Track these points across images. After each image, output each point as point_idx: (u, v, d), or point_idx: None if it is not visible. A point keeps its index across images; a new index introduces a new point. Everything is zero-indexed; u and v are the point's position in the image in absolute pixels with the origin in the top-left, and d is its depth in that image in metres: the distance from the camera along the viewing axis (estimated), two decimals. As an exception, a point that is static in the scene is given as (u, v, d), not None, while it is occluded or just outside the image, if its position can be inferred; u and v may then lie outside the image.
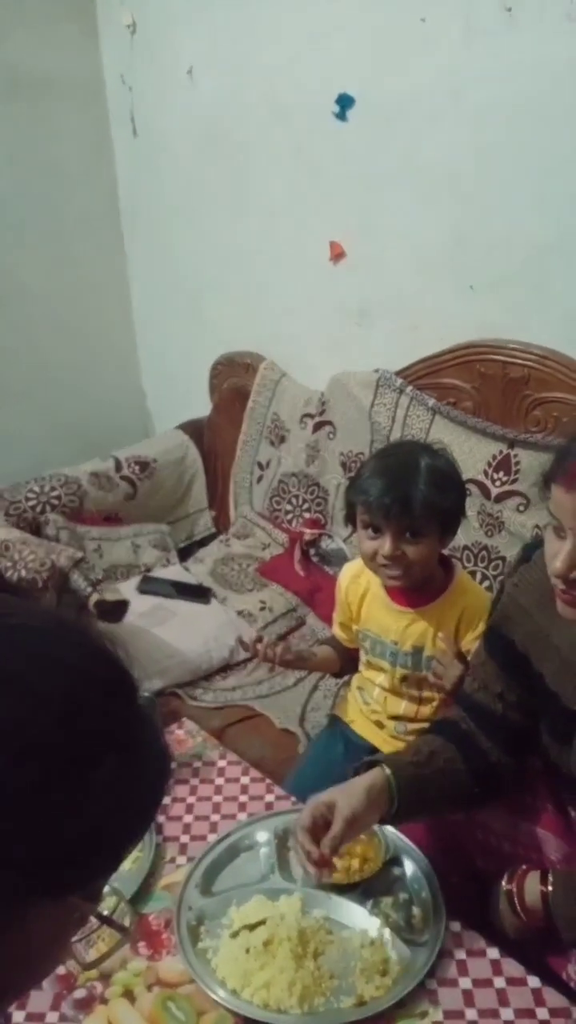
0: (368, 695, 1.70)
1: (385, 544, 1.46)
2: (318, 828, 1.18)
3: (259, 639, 1.70)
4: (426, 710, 1.62)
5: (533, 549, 1.27)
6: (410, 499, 1.43)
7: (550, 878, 1.17)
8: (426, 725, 1.48)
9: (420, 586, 1.55)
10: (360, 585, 1.66)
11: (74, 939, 0.70)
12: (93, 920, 0.72)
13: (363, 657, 1.69)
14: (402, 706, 1.63)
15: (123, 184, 2.85)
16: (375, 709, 1.68)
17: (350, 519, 1.56)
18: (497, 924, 1.23)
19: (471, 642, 1.50)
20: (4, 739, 0.55)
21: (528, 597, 1.22)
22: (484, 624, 1.44)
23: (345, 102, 2.08)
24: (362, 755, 1.63)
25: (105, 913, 0.70)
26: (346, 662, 1.74)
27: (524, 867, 1.21)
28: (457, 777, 1.25)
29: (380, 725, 1.68)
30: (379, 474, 1.47)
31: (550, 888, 1.16)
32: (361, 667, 1.72)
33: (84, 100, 2.72)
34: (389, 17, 1.94)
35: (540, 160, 1.81)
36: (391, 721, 1.66)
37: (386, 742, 1.66)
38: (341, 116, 2.10)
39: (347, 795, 1.18)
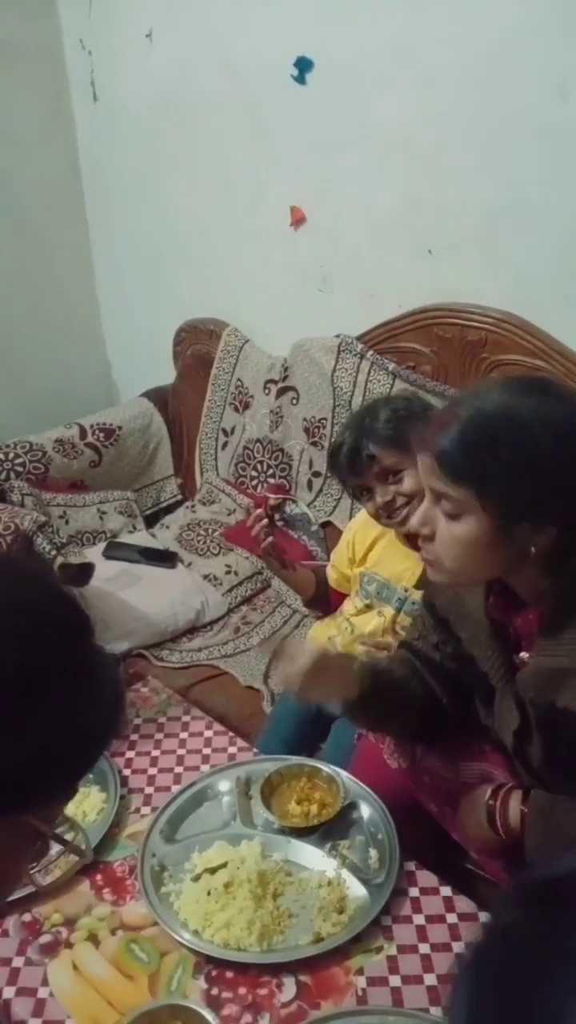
0: (343, 638, 1.72)
1: (376, 499, 1.49)
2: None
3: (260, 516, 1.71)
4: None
5: None
6: (362, 445, 1.48)
7: (530, 799, 1.18)
8: None
9: None
10: (374, 528, 1.68)
11: (32, 867, 0.74)
12: (52, 851, 0.76)
13: (357, 603, 1.71)
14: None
15: (84, 150, 2.83)
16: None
17: (345, 486, 1.59)
18: (467, 832, 1.26)
19: None
20: None
21: None
22: None
23: (303, 65, 2.08)
24: (326, 711, 1.67)
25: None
26: (319, 596, 1.77)
27: (509, 784, 1.22)
28: (410, 690, 1.31)
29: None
30: (342, 451, 1.51)
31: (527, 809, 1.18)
32: (347, 611, 1.74)
33: (42, 65, 2.69)
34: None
35: (491, 124, 1.82)
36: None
37: None
38: (300, 79, 2.10)
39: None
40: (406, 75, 1.91)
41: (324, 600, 1.78)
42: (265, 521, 1.67)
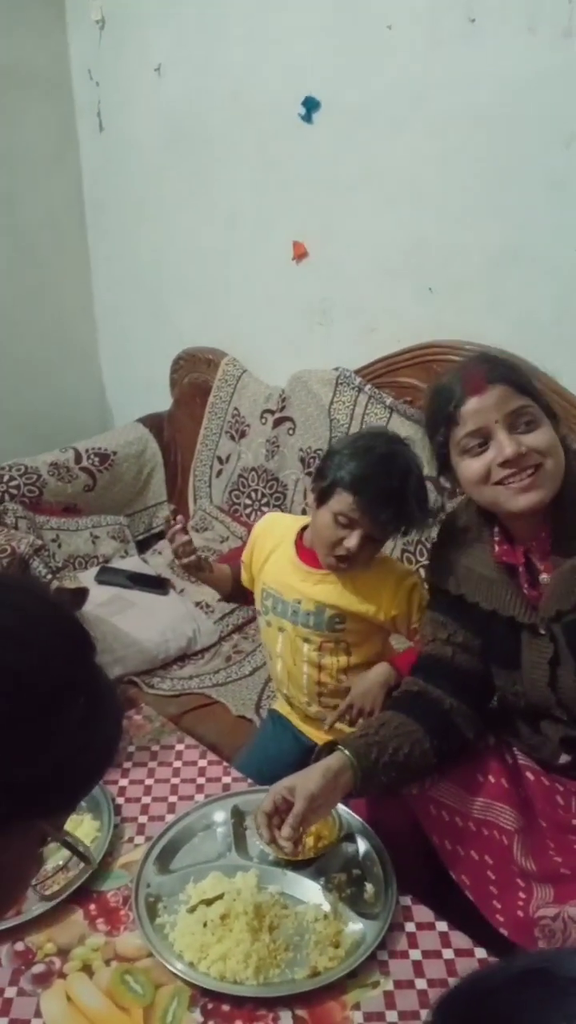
0: (274, 672, 1.73)
1: (352, 540, 1.47)
2: (280, 811, 1.25)
3: (177, 522, 1.68)
4: (325, 677, 1.64)
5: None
6: (404, 515, 1.46)
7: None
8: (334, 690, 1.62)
9: None
10: (273, 538, 1.67)
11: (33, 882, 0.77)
12: (47, 866, 0.78)
13: (262, 620, 1.71)
14: (303, 678, 1.66)
15: (88, 178, 2.86)
16: (285, 693, 1.73)
17: (320, 491, 1.53)
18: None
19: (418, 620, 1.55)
20: None
21: (450, 548, 1.40)
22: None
23: (311, 105, 2.13)
24: (303, 741, 1.71)
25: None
26: (236, 590, 1.76)
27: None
28: (412, 736, 1.32)
29: (306, 717, 1.72)
30: (376, 478, 1.46)
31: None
32: (262, 634, 1.75)
33: (50, 92, 2.73)
34: (356, 23, 1.99)
35: (498, 169, 1.87)
36: (303, 700, 1.69)
37: (319, 738, 1.68)
38: (307, 119, 2.15)
39: (306, 778, 1.26)
40: (415, 118, 1.96)
41: (241, 594, 1.78)
42: (187, 538, 1.65)
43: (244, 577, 1.74)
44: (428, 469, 1.42)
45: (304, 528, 1.63)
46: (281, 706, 1.79)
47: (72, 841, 0.76)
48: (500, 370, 1.25)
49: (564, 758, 1.35)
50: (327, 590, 1.58)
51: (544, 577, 1.29)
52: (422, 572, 1.68)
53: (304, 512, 2.28)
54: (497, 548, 1.32)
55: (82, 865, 0.87)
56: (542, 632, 1.29)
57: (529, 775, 1.37)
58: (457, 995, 0.51)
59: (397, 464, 1.48)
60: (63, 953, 1.22)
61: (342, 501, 1.47)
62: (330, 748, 1.32)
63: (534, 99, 1.77)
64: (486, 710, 1.43)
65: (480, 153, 1.89)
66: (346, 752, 1.29)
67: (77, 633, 0.71)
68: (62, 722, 0.65)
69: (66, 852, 0.77)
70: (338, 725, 1.64)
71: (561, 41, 1.70)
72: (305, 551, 1.61)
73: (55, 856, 0.77)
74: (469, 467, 1.25)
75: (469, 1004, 0.50)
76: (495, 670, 1.38)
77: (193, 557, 1.65)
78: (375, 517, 1.45)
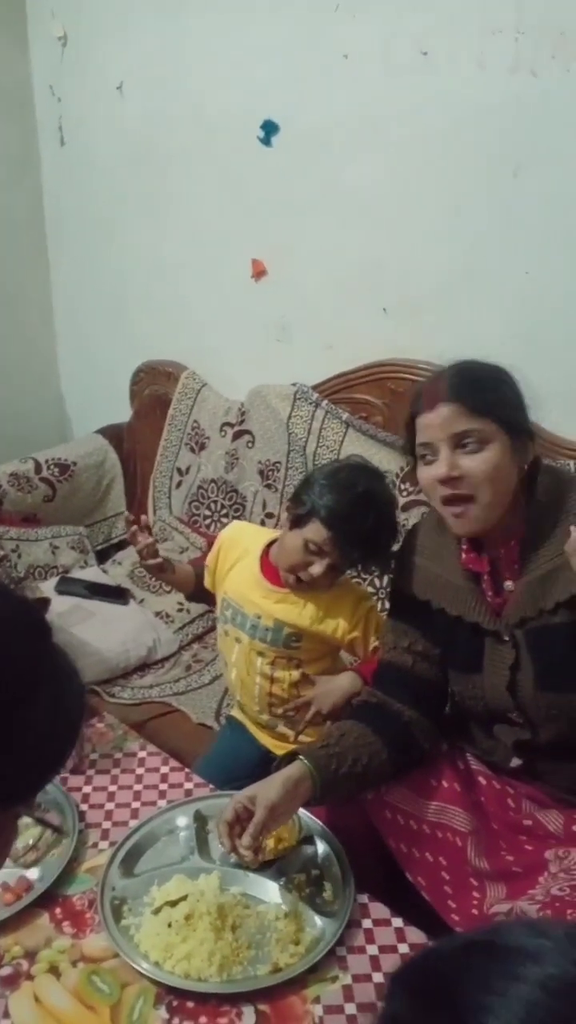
0: (228, 679, 1.78)
1: (316, 567, 1.52)
2: (241, 820, 1.28)
3: (139, 524, 1.71)
4: (277, 689, 1.69)
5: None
6: (375, 553, 1.53)
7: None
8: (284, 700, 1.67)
9: None
10: (238, 549, 1.70)
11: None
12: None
13: (220, 627, 1.75)
14: (255, 688, 1.70)
15: (49, 192, 2.89)
16: (239, 700, 1.77)
17: (296, 512, 1.56)
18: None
19: (375, 642, 1.60)
20: None
21: (417, 554, 1.45)
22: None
23: (269, 128, 2.19)
24: (259, 746, 1.75)
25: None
26: (198, 589, 1.79)
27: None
28: (372, 749, 1.36)
29: (259, 724, 1.76)
30: (352, 514, 1.50)
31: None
32: (219, 642, 1.79)
33: (11, 107, 2.76)
34: (314, 50, 2.05)
35: (450, 194, 1.94)
36: (255, 709, 1.73)
37: (274, 744, 1.75)
38: (265, 141, 2.20)
39: (266, 787, 1.29)
40: (371, 144, 2.02)
41: (203, 595, 1.82)
42: (151, 540, 1.68)
43: (207, 581, 1.77)
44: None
45: (271, 544, 1.67)
46: (237, 712, 1.84)
47: (43, 817, 0.80)
48: (461, 387, 1.26)
49: (516, 762, 1.41)
50: (287, 609, 1.63)
51: (509, 584, 1.34)
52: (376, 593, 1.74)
53: (263, 523, 2.35)
54: (464, 555, 1.37)
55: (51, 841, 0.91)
56: (505, 639, 1.34)
57: (481, 779, 1.44)
58: (410, 965, 0.56)
59: (374, 505, 1.53)
60: (30, 955, 1.24)
61: (316, 532, 1.51)
62: (290, 758, 1.36)
63: (483, 130, 1.84)
64: (442, 718, 1.47)
65: (433, 179, 1.96)
66: (306, 762, 1.32)
67: (33, 622, 0.73)
68: (32, 710, 0.68)
69: (35, 831, 0.81)
70: (302, 735, 1.70)
71: (507, 77, 1.78)
72: (269, 568, 1.65)
73: (24, 835, 0.81)
74: (421, 474, 1.31)
75: (420, 971, 0.55)
76: (455, 675, 1.43)
77: (159, 559, 1.69)
78: (345, 552, 1.51)
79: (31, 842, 0.86)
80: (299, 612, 1.62)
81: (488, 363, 1.32)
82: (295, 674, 1.67)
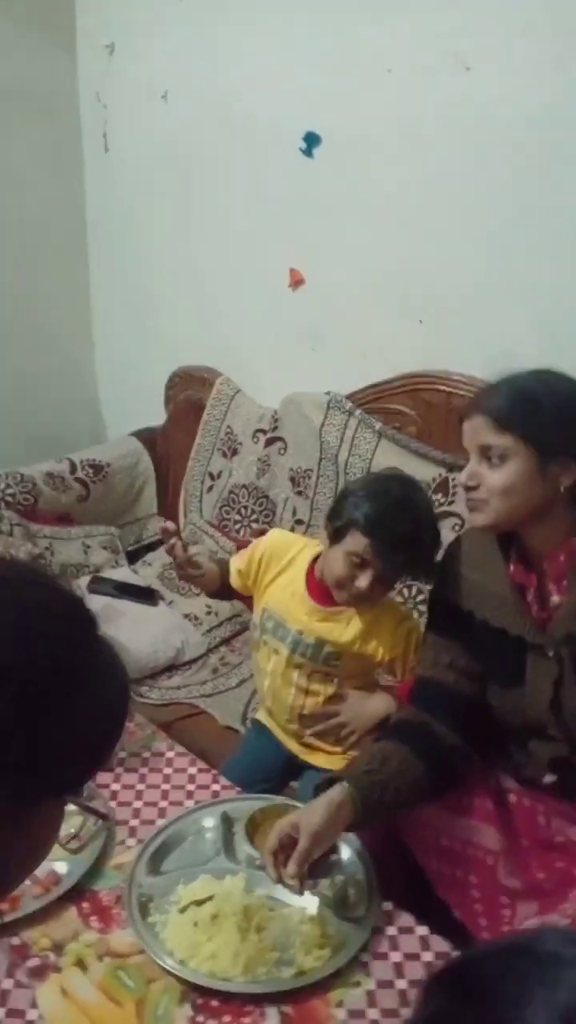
0: (260, 686, 1.78)
1: (364, 580, 1.51)
2: (285, 849, 1.26)
3: (174, 533, 1.70)
4: (310, 702, 1.69)
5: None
6: (417, 561, 1.52)
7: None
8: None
9: None
10: (281, 561, 1.69)
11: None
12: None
13: (257, 635, 1.74)
14: (289, 697, 1.70)
15: (91, 197, 2.93)
16: (268, 707, 1.78)
17: (335, 528, 1.56)
18: None
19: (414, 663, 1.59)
20: (13, 675, 0.66)
21: (462, 563, 1.44)
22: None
23: (312, 140, 2.21)
24: (284, 751, 1.76)
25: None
26: (224, 587, 1.76)
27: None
28: (414, 776, 1.34)
29: (286, 731, 1.77)
30: (393, 522, 1.50)
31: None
32: (254, 649, 1.78)
33: (58, 113, 2.80)
34: (359, 65, 2.07)
35: (487, 205, 1.95)
36: (284, 718, 1.74)
37: (300, 750, 1.75)
38: (308, 152, 2.23)
39: (309, 813, 1.27)
40: (409, 152, 2.04)
41: (227, 592, 1.79)
42: (192, 552, 1.68)
43: (237, 583, 1.74)
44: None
45: (315, 559, 1.67)
46: (263, 717, 1.85)
47: (89, 804, 0.83)
48: (493, 400, 1.29)
49: (550, 778, 1.39)
50: (330, 628, 1.63)
51: (555, 599, 1.33)
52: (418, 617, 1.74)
53: (293, 530, 2.37)
54: (512, 567, 1.36)
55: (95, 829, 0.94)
56: (549, 654, 1.32)
57: (512, 796, 1.42)
58: (448, 966, 0.57)
59: (411, 508, 1.53)
60: (58, 948, 1.27)
61: (356, 542, 1.51)
62: (330, 782, 1.33)
63: (519, 134, 1.84)
64: (479, 737, 1.43)
65: (469, 187, 1.96)
66: (350, 788, 1.29)
67: (80, 613, 0.75)
68: (78, 702, 0.70)
69: (77, 820, 0.83)
70: (315, 741, 1.71)
71: (541, 78, 1.78)
72: (315, 585, 1.64)
73: (67, 823, 0.83)
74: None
75: (458, 973, 0.57)
76: (494, 689, 1.41)
77: (201, 571, 1.70)
78: (388, 560, 1.50)
79: (73, 831, 0.89)
80: (342, 631, 1.63)
81: (546, 377, 1.32)
82: (330, 689, 1.68)
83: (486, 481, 1.28)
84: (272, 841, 1.26)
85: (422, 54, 1.95)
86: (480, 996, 0.52)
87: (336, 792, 1.29)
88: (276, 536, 1.78)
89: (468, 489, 1.31)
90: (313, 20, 2.13)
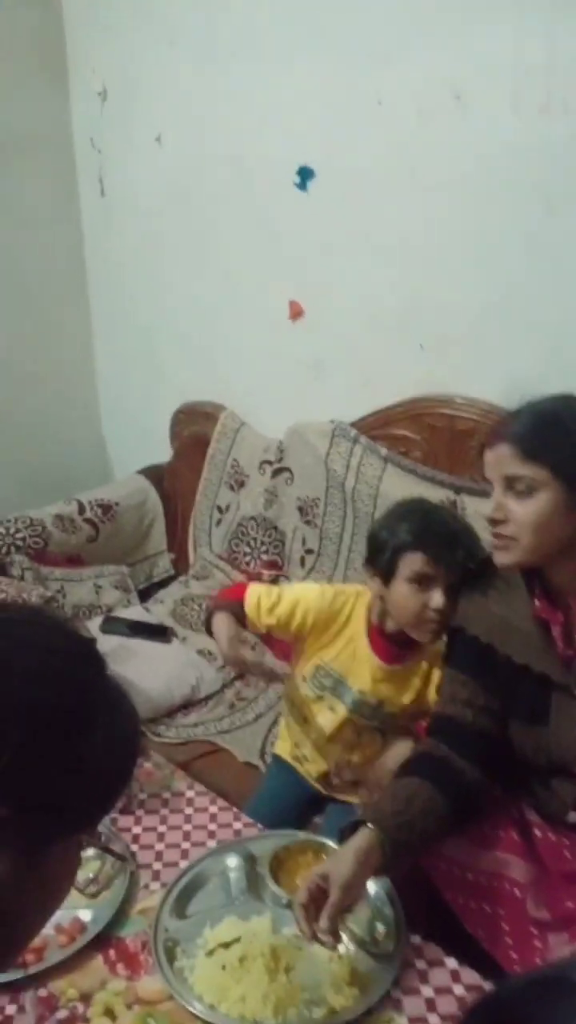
0: (303, 746, 1.75)
1: (438, 596, 1.47)
2: (316, 900, 1.21)
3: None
4: (357, 757, 1.68)
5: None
6: (472, 553, 1.48)
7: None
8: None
9: (402, 642, 1.59)
10: (342, 616, 1.65)
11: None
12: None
13: (308, 690, 1.69)
14: (336, 751, 1.68)
15: (89, 238, 2.97)
16: (303, 754, 1.75)
17: (381, 568, 1.54)
18: None
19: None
20: (25, 715, 0.68)
21: (483, 595, 1.39)
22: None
23: (305, 174, 2.23)
24: (306, 786, 1.74)
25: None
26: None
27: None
28: (438, 813, 1.30)
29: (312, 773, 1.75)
30: (435, 528, 1.50)
31: None
32: (303, 702, 1.72)
33: (53, 159, 2.84)
34: (349, 97, 2.09)
35: (484, 232, 1.97)
36: (320, 768, 1.73)
37: (324, 786, 1.74)
38: (302, 186, 2.25)
39: (339, 863, 1.23)
40: (406, 185, 2.06)
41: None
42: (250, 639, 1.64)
43: (268, 627, 1.66)
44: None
45: (369, 610, 1.64)
46: (285, 753, 1.82)
47: (106, 845, 0.83)
48: (519, 428, 1.24)
49: (573, 817, 1.35)
50: (394, 689, 1.62)
51: None
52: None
53: (303, 560, 2.37)
54: (537, 603, 1.31)
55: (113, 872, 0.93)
56: (575, 693, 1.28)
57: (536, 831, 1.39)
58: (484, 999, 0.57)
59: (441, 510, 1.57)
60: (85, 998, 1.25)
61: (413, 562, 1.49)
62: (354, 825, 1.29)
63: (516, 169, 1.87)
64: (501, 772, 1.40)
65: (467, 218, 1.99)
66: (379, 833, 1.26)
67: (89, 655, 0.77)
68: (91, 741, 0.71)
69: (95, 864, 0.83)
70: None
71: (539, 116, 1.80)
72: (379, 642, 1.61)
73: (85, 868, 0.84)
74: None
75: (493, 1005, 0.56)
76: (516, 726, 1.37)
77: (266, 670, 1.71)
78: (450, 561, 1.46)
79: (91, 875, 0.90)
80: (403, 692, 1.62)
81: (571, 402, 1.27)
82: (378, 743, 1.67)
83: (514, 515, 1.23)
84: (303, 895, 1.22)
85: (414, 88, 1.97)
86: None
87: (364, 839, 1.25)
88: (320, 596, 1.66)
89: (495, 523, 1.26)
90: (304, 56, 2.16)
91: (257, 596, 1.66)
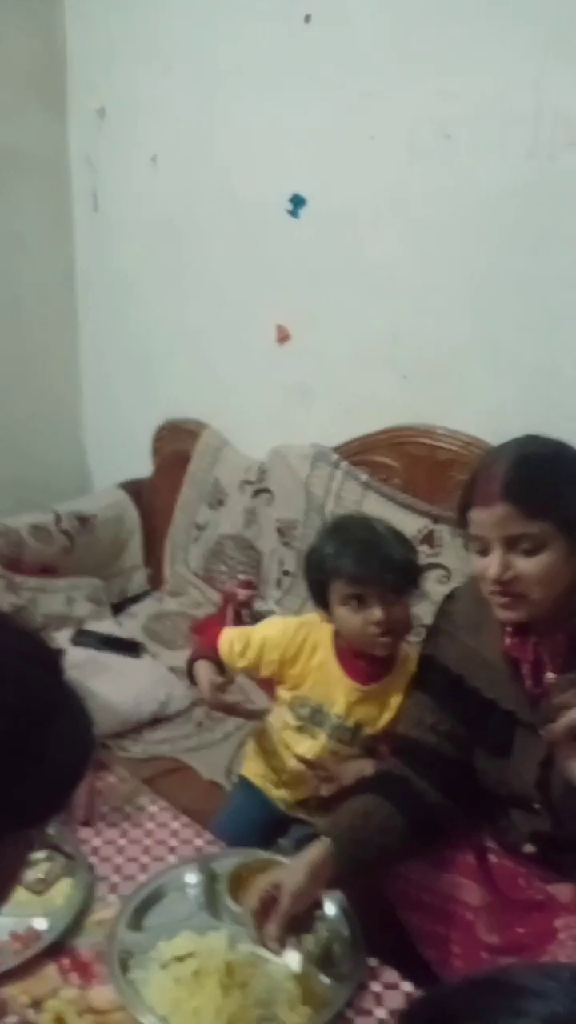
0: (274, 762, 1.74)
1: (376, 611, 1.48)
2: (267, 907, 1.24)
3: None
4: (335, 785, 1.65)
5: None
6: (391, 558, 1.49)
7: None
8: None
9: (372, 659, 1.59)
10: (308, 646, 1.65)
11: None
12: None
13: (288, 720, 1.70)
14: (311, 779, 1.67)
15: (81, 254, 3.00)
16: (279, 779, 1.74)
17: (320, 601, 1.57)
18: None
19: None
20: None
21: (454, 625, 1.39)
22: None
23: (297, 202, 2.27)
24: (273, 808, 1.73)
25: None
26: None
27: None
28: (395, 832, 1.31)
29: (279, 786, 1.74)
30: (349, 545, 1.50)
31: None
32: (276, 726, 1.73)
33: (48, 175, 2.89)
34: (342, 131, 2.14)
35: (469, 269, 2.01)
36: (301, 793, 1.71)
37: (290, 806, 1.74)
38: (293, 214, 2.29)
39: (291, 873, 1.26)
40: (395, 220, 2.10)
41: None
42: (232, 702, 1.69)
43: (243, 670, 1.70)
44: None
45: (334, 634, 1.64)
46: (253, 776, 1.80)
47: (56, 843, 0.84)
48: (517, 486, 1.17)
49: (530, 848, 1.36)
50: (369, 710, 1.61)
51: (550, 676, 1.26)
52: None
53: (280, 582, 2.37)
54: (508, 640, 1.30)
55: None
56: (540, 732, 1.25)
57: (493, 857, 1.40)
58: (417, 1002, 0.58)
59: (353, 523, 1.56)
60: (37, 1005, 1.23)
61: (338, 588, 1.51)
62: (311, 838, 1.32)
63: (502, 210, 1.91)
64: (464, 797, 1.39)
65: (453, 255, 2.03)
66: (332, 846, 1.28)
67: (48, 658, 0.80)
68: (44, 741, 0.74)
69: (44, 866, 0.84)
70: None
71: (526, 161, 1.85)
72: (349, 663, 1.61)
73: (35, 869, 0.86)
74: (475, 564, 1.24)
75: (428, 1007, 0.57)
76: (480, 755, 1.37)
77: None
78: (369, 571, 1.48)
79: (41, 876, 0.92)
80: (379, 714, 1.61)
81: (550, 445, 1.23)
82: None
83: (523, 573, 1.18)
84: (253, 901, 1.25)
85: (406, 126, 2.01)
86: None
87: (318, 851, 1.28)
88: (283, 632, 1.68)
89: (502, 583, 1.20)
90: (301, 89, 2.21)
91: (229, 642, 1.69)
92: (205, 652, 1.72)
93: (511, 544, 1.18)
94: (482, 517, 1.20)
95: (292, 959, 1.29)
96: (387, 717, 1.61)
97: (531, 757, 1.29)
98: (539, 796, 1.30)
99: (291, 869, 1.27)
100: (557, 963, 1.11)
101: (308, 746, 1.67)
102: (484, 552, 1.22)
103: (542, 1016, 0.51)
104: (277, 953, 1.24)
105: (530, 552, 1.17)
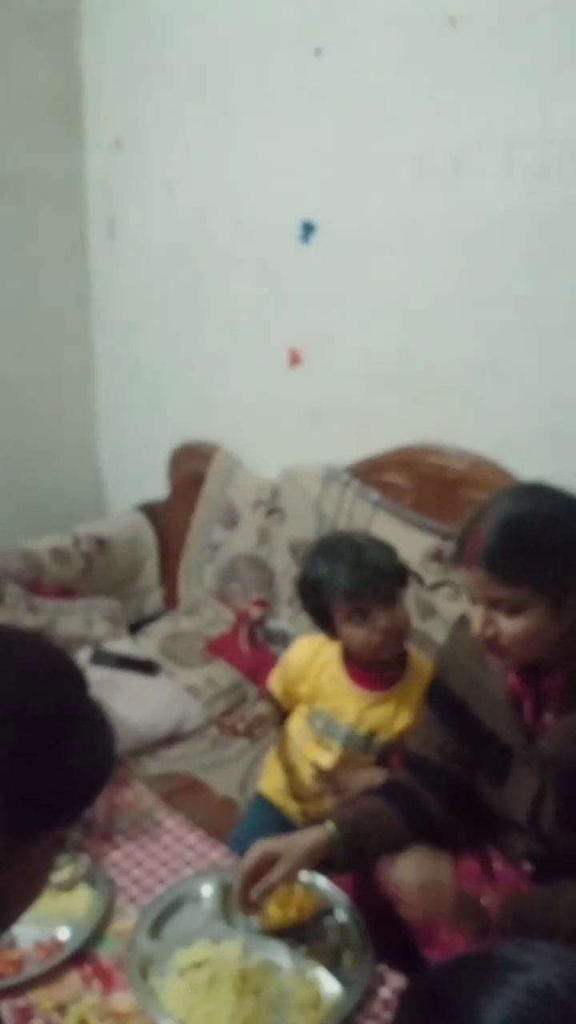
0: (293, 776, 1.77)
1: (379, 620, 1.54)
2: (260, 872, 1.32)
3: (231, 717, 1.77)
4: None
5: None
6: (380, 566, 1.55)
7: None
8: None
9: (381, 668, 1.65)
10: (318, 661, 1.71)
11: None
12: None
13: (308, 733, 1.74)
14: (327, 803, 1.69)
15: (96, 278, 3.08)
16: (296, 792, 1.77)
17: (323, 624, 1.62)
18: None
19: None
20: (15, 719, 0.77)
21: (463, 652, 1.41)
22: None
23: (308, 228, 2.34)
24: (289, 824, 1.75)
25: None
26: (280, 715, 1.81)
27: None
28: (397, 831, 1.37)
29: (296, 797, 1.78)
30: (339, 564, 1.56)
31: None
32: (301, 745, 1.76)
33: (65, 201, 2.97)
34: (352, 158, 2.21)
35: (478, 290, 2.06)
36: (318, 807, 1.73)
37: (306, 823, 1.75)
38: (304, 239, 2.36)
39: (291, 852, 1.33)
40: (404, 243, 2.15)
41: (283, 715, 1.84)
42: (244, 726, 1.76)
43: (285, 702, 1.81)
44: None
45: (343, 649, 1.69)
46: (271, 792, 1.84)
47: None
48: (496, 553, 1.19)
49: (528, 866, 1.39)
50: (380, 716, 1.65)
51: (549, 715, 1.31)
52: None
53: (291, 600, 2.42)
54: (512, 677, 1.33)
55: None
56: (535, 768, 1.31)
57: (498, 864, 1.43)
58: (415, 979, 0.63)
59: (336, 542, 1.62)
60: (61, 1009, 1.29)
61: (340, 609, 1.57)
62: (317, 818, 1.39)
63: (510, 233, 1.96)
64: (469, 813, 1.43)
65: (461, 278, 2.08)
66: (335, 830, 1.36)
67: (73, 672, 0.87)
68: (71, 746, 0.80)
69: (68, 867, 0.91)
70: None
71: (533, 184, 1.90)
72: (356, 672, 1.66)
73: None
74: (468, 611, 1.29)
75: (424, 983, 0.62)
76: (481, 778, 1.41)
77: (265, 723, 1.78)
78: (365, 583, 1.54)
79: (66, 876, 0.99)
80: (392, 720, 1.64)
81: (545, 502, 1.23)
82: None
83: (505, 631, 1.22)
84: (248, 863, 1.33)
85: (414, 151, 2.07)
86: (443, 1003, 0.58)
87: (321, 833, 1.36)
88: (293, 652, 1.80)
89: (482, 638, 1.25)
90: (313, 115, 2.27)
91: (273, 683, 1.82)
92: (267, 701, 1.84)
93: (493, 604, 1.22)
94: (466, 577, 1.25)
95: (305, 965, 1.33)
96: (402, 722, 1.64)
97: (524, 790, 1.33)
98: (530, 826, 1.34)
99: (292, 850, 1.33)
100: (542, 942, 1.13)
101: (326, 757, 1.71)
102: (473, 601, 1.26)
103: (524, 985, 0.56)
104: (246, 914, 1.36)
105: (511, 612, 1.21)
